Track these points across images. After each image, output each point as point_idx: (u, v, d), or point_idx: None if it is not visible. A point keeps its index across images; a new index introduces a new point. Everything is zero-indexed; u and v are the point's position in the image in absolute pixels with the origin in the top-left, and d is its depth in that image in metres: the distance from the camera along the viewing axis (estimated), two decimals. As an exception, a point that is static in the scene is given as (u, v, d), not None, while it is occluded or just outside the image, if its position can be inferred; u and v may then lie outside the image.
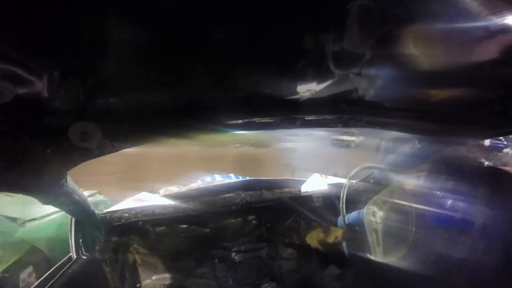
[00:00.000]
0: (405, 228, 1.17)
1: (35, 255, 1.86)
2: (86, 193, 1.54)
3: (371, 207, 1.29)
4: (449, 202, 1.05)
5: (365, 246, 1.30)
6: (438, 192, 1.11)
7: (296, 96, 0.75)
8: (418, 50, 0.58)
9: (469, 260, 0.97)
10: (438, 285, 1.04)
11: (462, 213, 1.01)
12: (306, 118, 0.89)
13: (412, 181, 1.24)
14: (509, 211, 0.92)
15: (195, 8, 0.46)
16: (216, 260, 1.92)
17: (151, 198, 1.61)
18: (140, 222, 1.47)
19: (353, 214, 1.42)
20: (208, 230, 1.90)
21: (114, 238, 1.49)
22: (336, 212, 1.66)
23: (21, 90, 0.47)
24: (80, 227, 1.26)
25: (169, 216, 1.50)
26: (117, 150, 0.77)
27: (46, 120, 0.59)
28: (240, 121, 0.82)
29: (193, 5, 0.46)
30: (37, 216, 2.04)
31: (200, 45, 0.54)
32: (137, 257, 1.66)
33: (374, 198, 1.31)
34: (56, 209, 2.12)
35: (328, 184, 1.84)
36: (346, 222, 1.40)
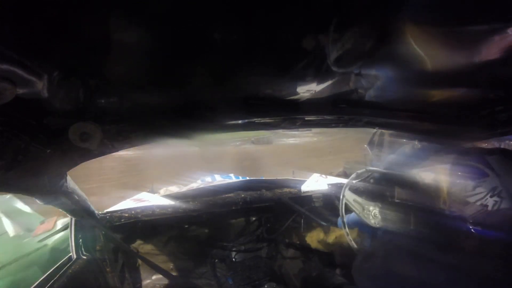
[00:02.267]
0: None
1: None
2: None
3: (371, 208, 1.29)
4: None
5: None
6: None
7: (296, 97, 0.75)
8: (419, 50, 0.58)
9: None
10: None
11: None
12: (306, 119, 0.89)
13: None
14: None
15: (195, 8, 0.46)
16: (216, 260, 1.92)
17: (151, 198, 1.61)
18: (140, 222, 1.47)
19: (353, 215, 1.41)
20: (208, 230, 1.90)
21: None
22: (336, 212, 1.65)
23: (21, 90, 0.47)
24: (80, 227, 1.26)
25: (169, 216, 1.50)
26: (117, 150, 0.77)
27: (46, 120, 0.59)
28: (240, 121, 0.82)
29: (193, 6, 0.46)
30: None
31: (200, 45, 0.54)
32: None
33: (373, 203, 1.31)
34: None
35: (328, 184, 1.84)
36: (345, 223, 1.40)
